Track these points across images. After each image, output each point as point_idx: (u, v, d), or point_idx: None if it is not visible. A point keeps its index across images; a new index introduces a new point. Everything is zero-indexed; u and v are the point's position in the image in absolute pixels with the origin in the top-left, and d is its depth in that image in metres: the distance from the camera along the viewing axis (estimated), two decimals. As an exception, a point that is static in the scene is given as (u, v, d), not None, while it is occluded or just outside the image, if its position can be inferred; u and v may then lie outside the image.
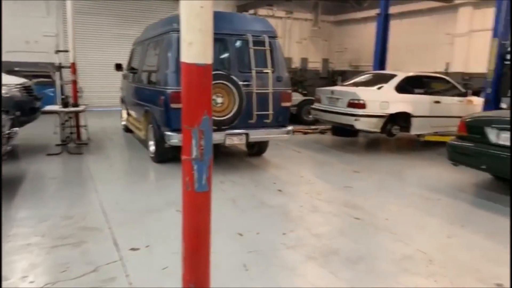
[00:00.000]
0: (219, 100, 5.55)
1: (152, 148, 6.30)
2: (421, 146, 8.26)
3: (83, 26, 12.41)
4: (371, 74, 8.89)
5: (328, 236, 3.73)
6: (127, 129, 8.77)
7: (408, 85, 7.68)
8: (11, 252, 3.17)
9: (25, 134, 7.21)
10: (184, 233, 1.73)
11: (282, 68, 6.18)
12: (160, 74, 5.86)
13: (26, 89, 6.62)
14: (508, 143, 4.54)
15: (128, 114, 8.35)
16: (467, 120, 5.22)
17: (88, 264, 3.01)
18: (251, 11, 14.68)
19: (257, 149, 6.94)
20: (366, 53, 14.50)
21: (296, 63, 15.79)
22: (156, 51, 6.31)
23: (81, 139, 7.73)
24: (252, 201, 4.66)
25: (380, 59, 10.54)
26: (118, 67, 8.64)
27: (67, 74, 8.01)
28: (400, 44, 13.16)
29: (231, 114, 5.63)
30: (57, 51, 8.00)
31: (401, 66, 12.61)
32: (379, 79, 7.98)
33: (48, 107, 7.07)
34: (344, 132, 8.68)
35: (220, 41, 5.75)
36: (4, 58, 7.50)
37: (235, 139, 5.79)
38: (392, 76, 7.82)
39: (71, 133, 7.30)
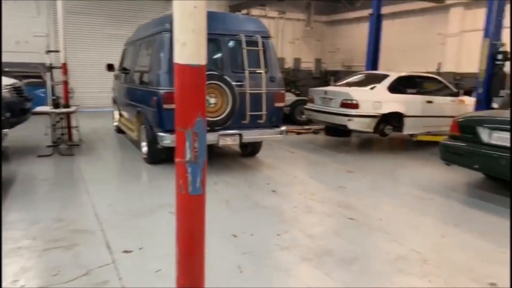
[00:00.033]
0: (212, 100, 5.53)
1: (144, 149, 6.26)
2: (414, 146, 8.30)
3: (74, 26, 12.33)
4: (363, 74, 8.91)
5: (322, 236, 3.73)
6: (119, 130, 8.68)
7: (400, 85, 7.72)
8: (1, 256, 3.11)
9: (15, 135, 7.14)
10: (178, 236, 1.70)
11: (275, 68, 6.17)
12: (152, 74, 5.82)
13: (16, 90, 6.52)
14: (500, 143, 4.58)
15: (120, 115, 8.27)
16: (460, 120, 5.26)
17: (80, 267, 2.97)
18: (244, 11, 14.67)
19: (250, 149, 6.92)
20: (358, 53, 14.55)
21: (289, 63, 15.78)
22: (149, 51, 6.27)
23: (72, 140, 7.65)
24: (246, 202, 4.64)
25: (373, 59, 10.57)
26: (110, 67, 8.59)
27: (58, 74, 7.94)
28: (393, 44, 13.24)
29: (224, 114, 5.61)
30: (48, 51, 7.89)
31: (393, 66, 12.67)
32: (372, 79, 8.01)
33: (39, 108, 6.99)
34: (337, 132, 8.70)
35: (213, 41, 5.73)
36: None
37: (229, 140, 5.78)
38: (385, 76, 7.85)
39: (62, 134, 7.22)
